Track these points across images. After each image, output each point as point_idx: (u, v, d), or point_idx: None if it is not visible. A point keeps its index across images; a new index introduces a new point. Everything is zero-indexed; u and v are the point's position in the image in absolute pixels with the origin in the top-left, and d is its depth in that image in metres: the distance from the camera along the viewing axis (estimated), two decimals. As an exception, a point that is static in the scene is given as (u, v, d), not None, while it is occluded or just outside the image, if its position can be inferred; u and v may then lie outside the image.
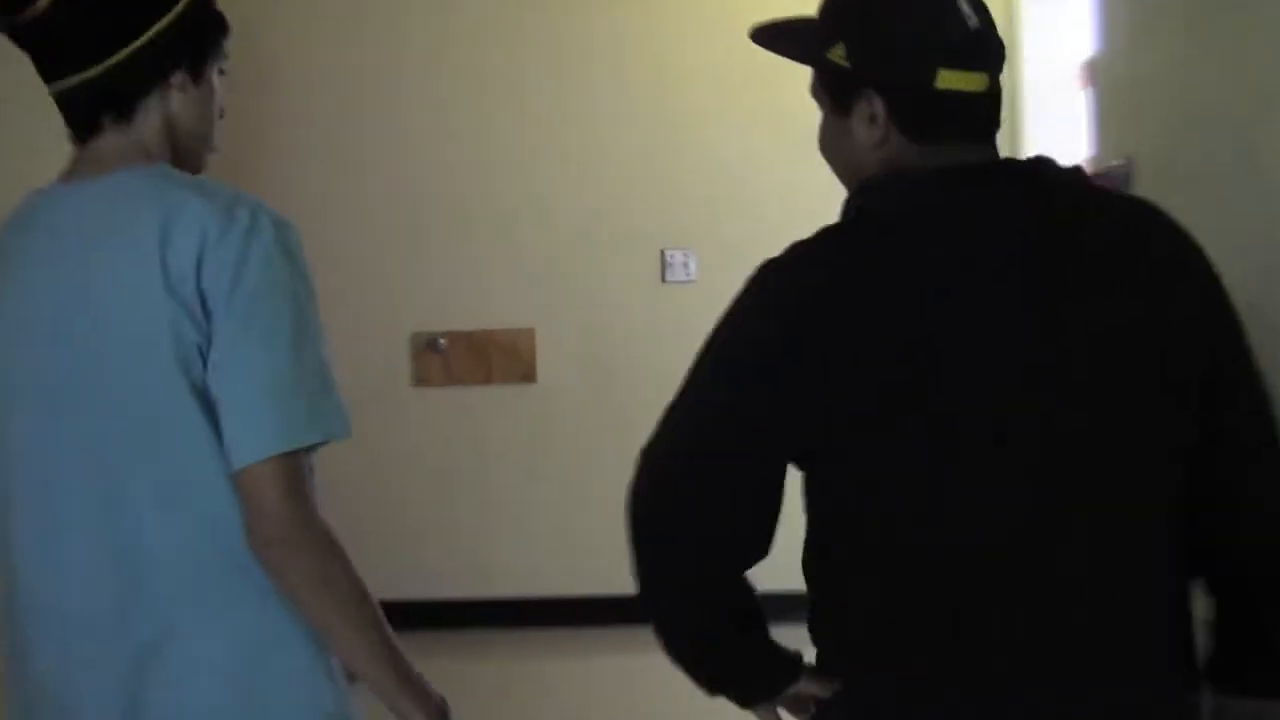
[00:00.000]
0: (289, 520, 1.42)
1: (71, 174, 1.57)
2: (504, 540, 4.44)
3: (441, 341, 4.36)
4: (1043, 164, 1.43)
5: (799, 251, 1.39)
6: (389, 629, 1.47)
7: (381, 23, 4.27)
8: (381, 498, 4.31)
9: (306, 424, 1.44)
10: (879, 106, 1.41)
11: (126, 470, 1.46)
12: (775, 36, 1.54)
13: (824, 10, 1.48)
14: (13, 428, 1.52)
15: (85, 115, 1.56)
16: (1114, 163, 3.10)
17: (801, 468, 1.38)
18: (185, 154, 1.60)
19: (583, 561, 4.36)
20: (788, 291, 1.37)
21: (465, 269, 4.40)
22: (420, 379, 4.38)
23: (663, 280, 4.44)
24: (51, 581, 1.50)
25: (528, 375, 4.40)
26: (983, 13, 1.43)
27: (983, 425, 1.31)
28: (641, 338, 4.43)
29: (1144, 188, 2.93)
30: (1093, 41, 3.37)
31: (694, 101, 4.40)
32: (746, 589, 1.43)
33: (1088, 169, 3.52)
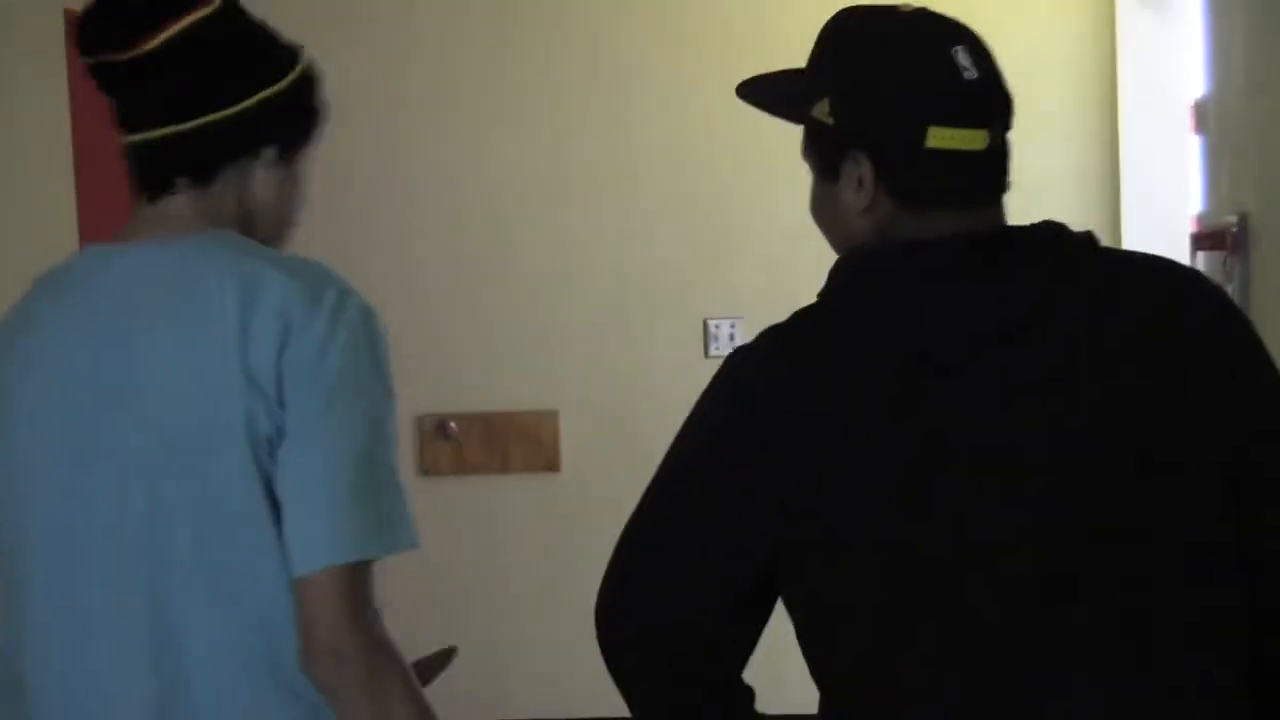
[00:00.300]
0: (345, 633, 1.48)
1: (129, 234, 1.63)
2: (523, 653, 4.40)
3: (452, 425, 4.36)
4: (1048, 230, 1.44)
5: (770, 337, 1.45)
6: None
7: (384, 67, 4.32)
8: (382, 601, 4.25)
9: (374, 535, 1.51)
10: (866, 168, 1.44)
11: (181, 564, 1.51)
12: (762, 90, 1.59)
13: (810, 60, 1.53)
14: (32, 515, 1.56)
15: (160, 172, 1.62)
16: (1225, 219, 3.05)
17: (783, 561, 1.41)
18: (260, 232, 1.66)
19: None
20: (749, 383, 1.42)
21: (479, 342, 4.39)
22: (427, 468, 4.38)
23: (706, 354, 4.41)
24: (75, 694, 1.54)
25: (550, 464, 4.39)
26: (984, 62, 1.45)
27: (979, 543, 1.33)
28: (681, 420, 4.34)
29: (1259, 249, 2.89)
30: (1204, 80, 3.34)
31: (741, 150, 4.39)
32: (744, 689, 1.49)
33: (1194, 226, 3.48)
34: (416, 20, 4.40)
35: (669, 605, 1.44)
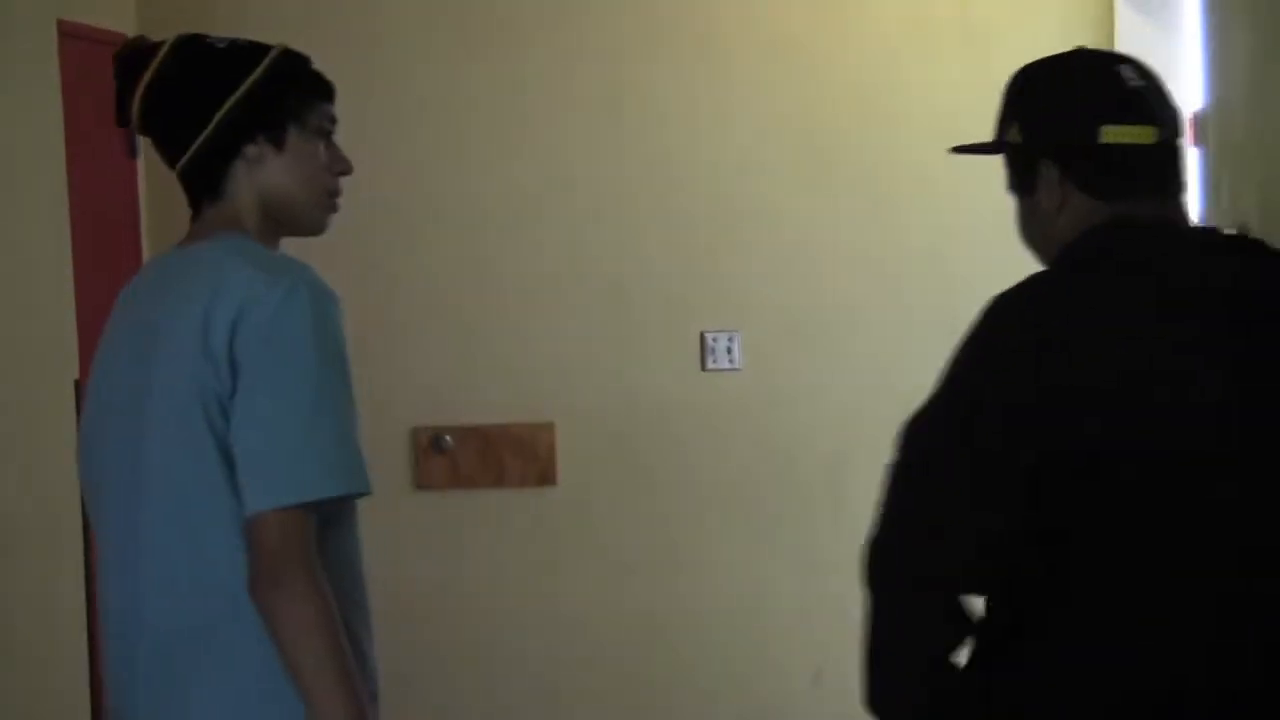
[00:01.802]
0: (280, 569, 1.81)
1: (183, 240, 2.06)
2: (520, 669, 4.47)
3: (447, 439, 4.44)
4: (1251, 239, 1.81)
5: (1032, 285, 1.71)
6: (358, 690, 1.84)
7: (382, 77, 4.39)
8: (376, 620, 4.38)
9: (316, 479, 1.84)
10: (1054, 172, 1.79)
11: (152, 501, 1.92)
12: (971, 149, 1.95)
13: (1004, 102, 1.88)
14: (98, 453, 2.03)
15: (190, 195, 2.05)
16: (1225, 232, 3.18)
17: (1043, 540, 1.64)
18: (288, 217, 2.07)
19: (616, 698, 4.44)
20: (1021, 324, 1.68)
21: (474, 355, 4.46)
22: (422, 482, 4.46)
23: (703, 368, 4.48)
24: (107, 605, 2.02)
25: (546, 477, 4.46)
26: (1148, 77, 1.82)
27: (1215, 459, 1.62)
28: (678, 434, 4.47)
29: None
30: (1203, 92, 3.52)
31: (739, 157, 4.46)
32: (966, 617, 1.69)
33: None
34: (415, 30, 4.45)
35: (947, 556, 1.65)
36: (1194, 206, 3.71)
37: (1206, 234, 1.84)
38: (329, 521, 1.92)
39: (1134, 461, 1.61)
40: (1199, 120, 3.51)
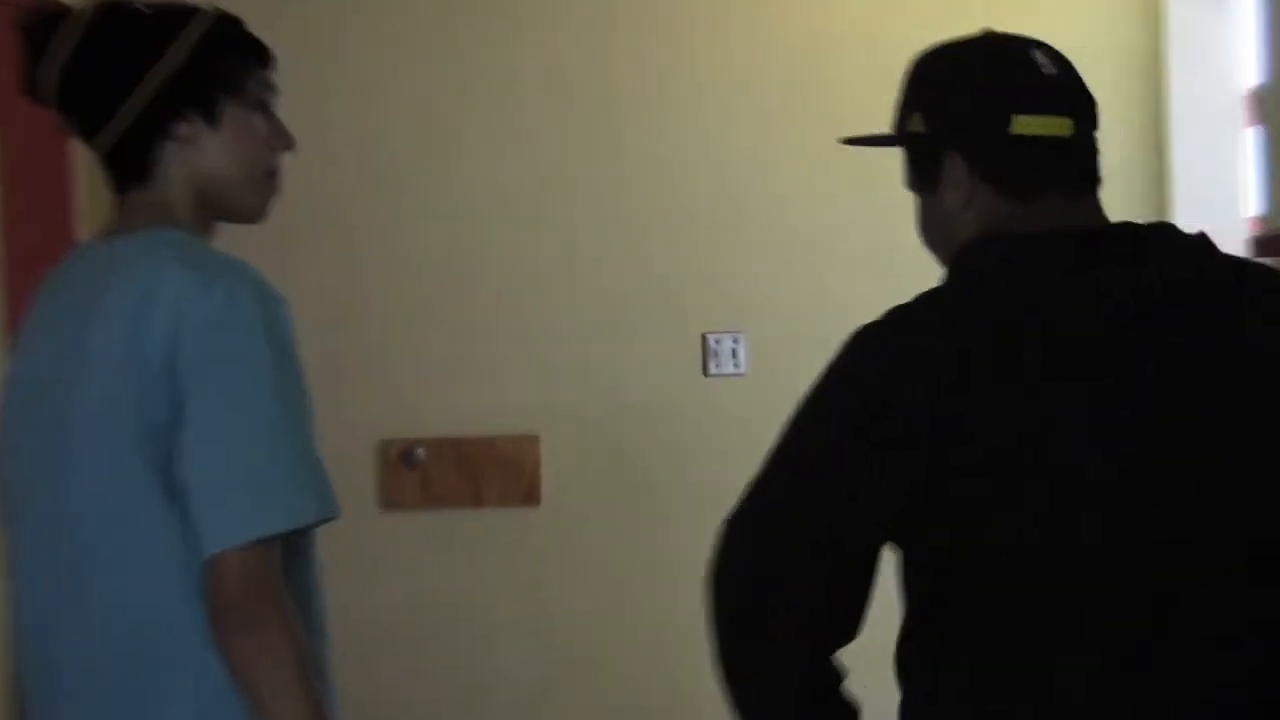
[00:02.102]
0: (249, 613, 1.73)
1: (104, 230, 1.96)
2: (498, 706, 4.35)
3: (419, 452, 4.31)
4: (1164, 230, 1.69)
5: (896, 314, 1.65)
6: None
7: (362, 76, 4.30)
8: (338, 654, 4.22)
9: (283, 508, 1.76)
10: (960, 165, 1.70)
11: (84, 537, 1.82)
12: (862, 140, 1.89)
13: (904, 89, 1.80)
14: (11, 480, 1.93)
15: (111, 178, 1.94)
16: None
17: (898, 543, 1.64)
18: (225, 203, 1.96)
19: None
20: (884, 352, 1.63)
21: (450, 358, 4.33)
22: (390, 501, 4.32)
23: (705, 373, 4.39)
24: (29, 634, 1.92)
25: (530, 496, 4.34)
26: (1061, 64, 1.73)
27: (1102, 489, 1.57)
28: (678, 447, 4.36)
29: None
30: (1261, 67, 3.36)
31: (744, 148, 4.39)
32: (834, 671, 1.70)
33: (1254, 229, 3.49)
34: (403, 28, 4.37)
35: (796, 575, 1.64)
36: (1251, 193, 3.58)
37: (1119, 237, 1.69)
38: (292, 548, 1.85)
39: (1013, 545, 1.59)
40: (1257, 98, 3.40)
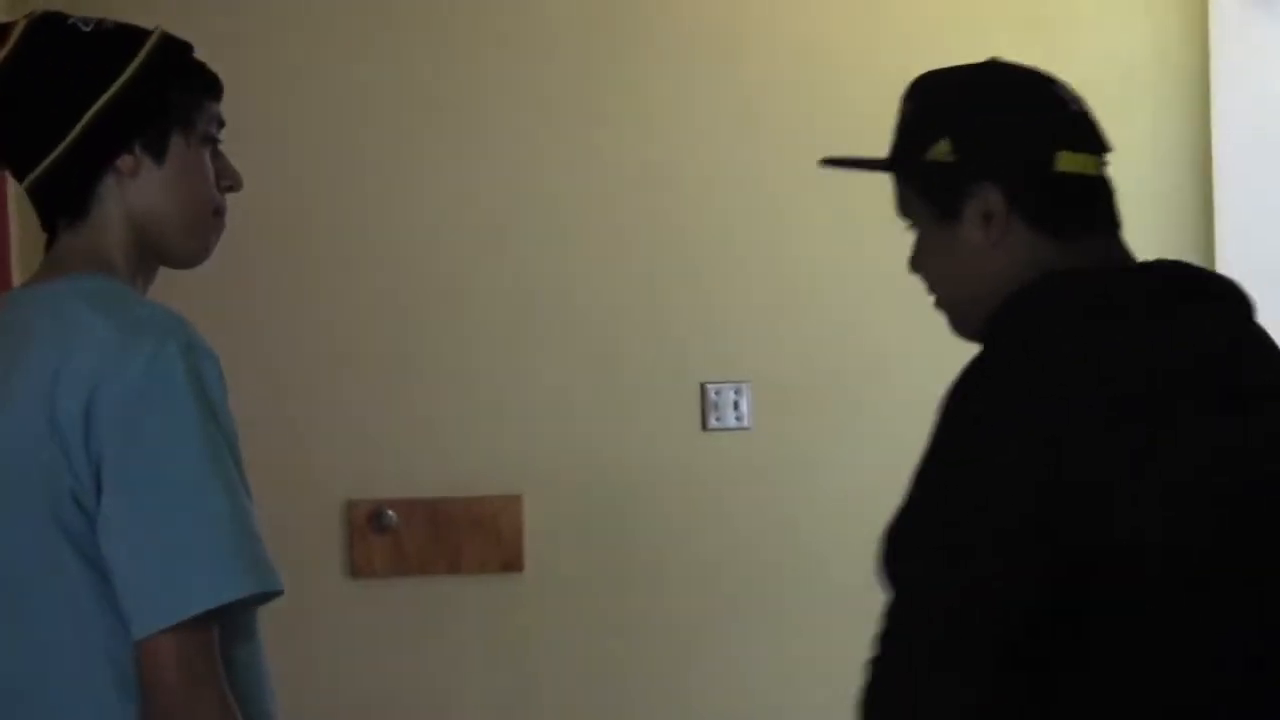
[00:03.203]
0: (187, 698, 1.73)
1: (34, 276, 1.94)
2: None
3: (389, 514, 4.28)
4: (1200, 269, 1.84)
5: (1015, 376, 1.66)
6: None
7: (311, 76, 4.26)
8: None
9: (217, 582, 1.74)
10: (996, 200, 1.76)
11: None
12: (850, 162, 1.93)
13: (918, 113, 1.85)
14: None
15: (43, 218, 1.92)
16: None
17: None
18: (165, 244, 1.93)
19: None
20: (1021, 409, 1.62)
21: (424, 412, 4.29)
22: (358, 568, 4.28)
23: (704, 427, 4.38)
24: None
25: (511, 563, 4.30)
26: (1079, 100, 1.83)
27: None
28: (674, 508, 4.33)
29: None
30: None
31: (747, 174, 4.36)
32: None
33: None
34: (355, 15, 4.33)
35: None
36: None
37: (1173, 277, 1.80)
38: (232, 628, 1.84)
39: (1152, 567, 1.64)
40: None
